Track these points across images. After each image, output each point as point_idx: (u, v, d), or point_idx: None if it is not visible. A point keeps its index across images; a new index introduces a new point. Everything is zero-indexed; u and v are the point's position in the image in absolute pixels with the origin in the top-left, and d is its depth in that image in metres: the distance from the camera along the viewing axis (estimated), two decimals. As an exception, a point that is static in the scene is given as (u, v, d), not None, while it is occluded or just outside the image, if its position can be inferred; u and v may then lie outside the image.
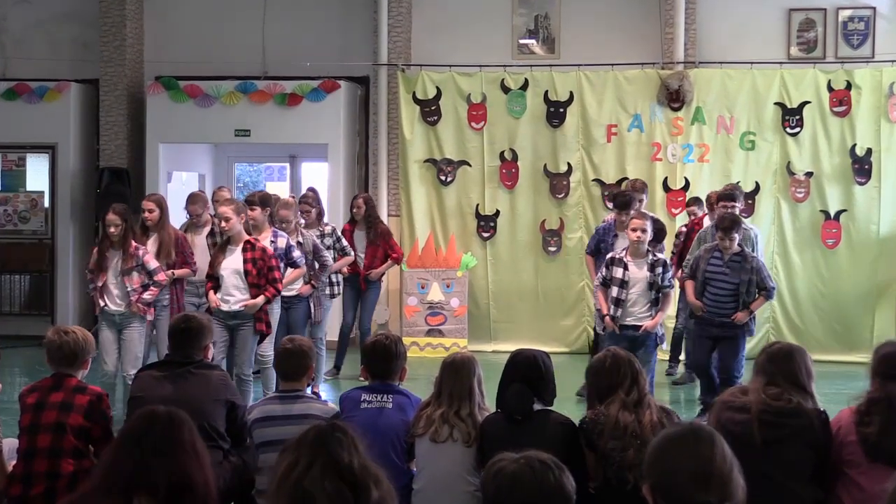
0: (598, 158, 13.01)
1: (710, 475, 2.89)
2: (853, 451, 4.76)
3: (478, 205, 13.28)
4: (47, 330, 5.83)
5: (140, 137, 14.00)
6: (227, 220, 8.75)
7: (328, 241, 10.47)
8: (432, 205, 13.37)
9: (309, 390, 6.15)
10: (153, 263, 9.00)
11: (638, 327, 8.72)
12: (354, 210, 11.32)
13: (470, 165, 13.27)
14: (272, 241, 9.35)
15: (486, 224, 13.27)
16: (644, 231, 8.71)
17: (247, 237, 8.85)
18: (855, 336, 12.53)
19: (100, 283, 8.91)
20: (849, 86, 12.59)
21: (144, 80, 14.12)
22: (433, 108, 13.28)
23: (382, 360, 5.75)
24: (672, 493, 2.90)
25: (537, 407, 5.34)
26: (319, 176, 14.47)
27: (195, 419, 5.43)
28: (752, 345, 12.42)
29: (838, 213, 12.66)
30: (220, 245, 9.07)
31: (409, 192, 13.34)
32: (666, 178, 12.80)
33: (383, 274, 11.51)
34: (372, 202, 11.58)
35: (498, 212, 13.25)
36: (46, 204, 14.05)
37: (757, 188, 12.67)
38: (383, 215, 13.44)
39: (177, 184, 14.07)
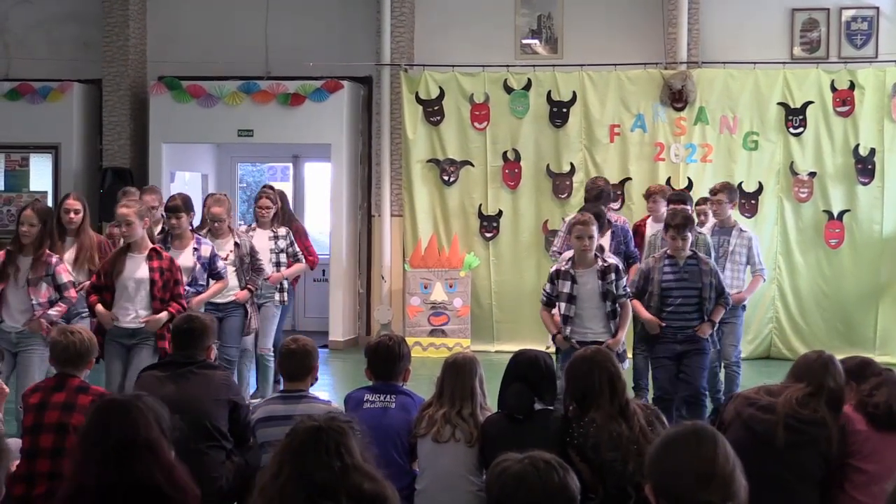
0: (600, 158, 12.99)
1: (712, 475, 2.89)
2: (854, 441, 4.85)
3: (480, 205, 13.27)
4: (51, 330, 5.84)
5: (143, 137, 14.00)
6: (129, 224, 7.67)
7: (282, 243, 9.73)
8: (435, 205, 13.37)
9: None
10: (65, 276, 7.82)
11: (598, 343, 7.26)
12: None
13: (473, 165, 13.27)
14: (195, 249, 8.55)
15: (489, 224, 13.26)
16: (591, 237, 7.70)
17: (151, 245, 7.86)
18: (858, 336, 12.52)
19: None
20: (852, 86, 12.57)
21: (147, 80, 14.13)
22: (436, 108, 13.28)
23: (386, 360, 5.76)
24: (674, 493, 2.90)
25: (538, 406, 5.35)
26: (322, 176, 14.48)
27: (198, 419, 5.50)
28: (752, 346, 12.51)
29: (841, 213, 12.65)
30: (116, 253, 7.92)
31: (411, 192, 13.34)
32: (669, 179, 12.79)
33: (297, 277, 10.54)
34: (286, 198, 10.64)
35: (501, 212, 13.24)
36: (50, 204, 14.02)
37: (760, 188, 12.66)
38: (386, 215, 13.45)
39: (180, 184, 14.07)
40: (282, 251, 9.75)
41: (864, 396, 4.90)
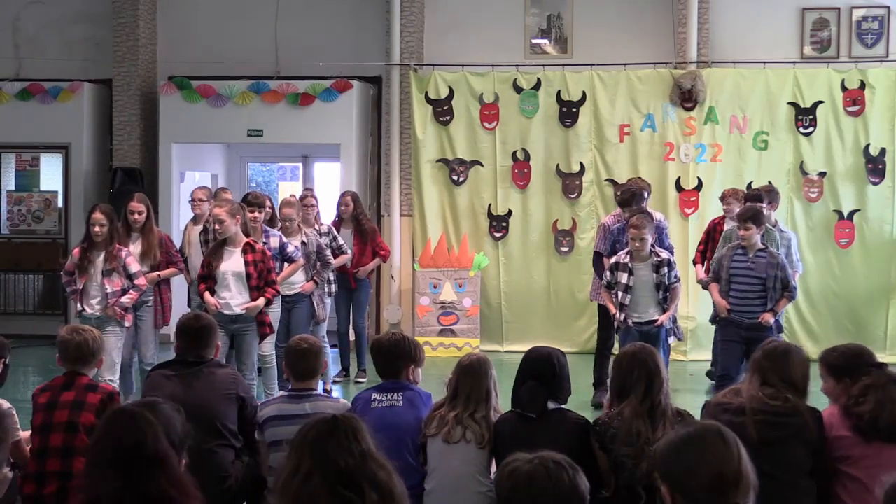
0: (610, 158, 12.98)
1: (739, 478, 2.90)
2: (843, 446, 4.79)
3: (490, 205, 13.27)
4: (60, 328, 5.84)
5: (153, 137, 14.03)
6: (221, 222, 8.56)
7: (325, 239, 10.37)
8: (444, 205, 13.37)
9: (321, 388, 6.15)
10: (134, 267, 8.76)
11: (651, 322, 8.74)
12: (342, 208, 11.14)
13: (482, 165, 13.27)
14: (264, 242, 9.24)
15: (499, 224, 13.26)
16: (643, 239, 8.68)
17: (245, 239, 8.68)
18: (868, 336, 12.45)
19: (80, 286, 8.64)
20: (862, 85, 12.55)
21: (157, 80, 14.16)
22: (445, 107, 13.27)
23: (387, 357, 5.76)
24: (698, 494, 2.89)
25: (552, 406, 5.33)
26: (332, 176, 14.48)
27: (207, 418, 5.51)
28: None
29: (851, 213, 12.62)
30: (215, 246, 8.85)
31: (421, 192, 13.34)
32: (679, 178, 12.78)
33: (371, 271, 11.34)
34: (359, 200, 11.41)
35: (510, 212, 13.24)
36: (60, 204, 14.09)
37: (770, 188, 12.64)
38: (395, 215, 13.45)
39: (189, 183, 14.07)
40: (327, 247, 10.30)
41: (851, 403, 4.80)
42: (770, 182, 11.63)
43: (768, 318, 8.65)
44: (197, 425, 4.08)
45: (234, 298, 8.52)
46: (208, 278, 8.63)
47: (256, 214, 9.38)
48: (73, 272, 8.75)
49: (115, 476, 3.49)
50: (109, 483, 3.48)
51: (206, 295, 8.58)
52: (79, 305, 8.66)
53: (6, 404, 5.44)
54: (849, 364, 5.08)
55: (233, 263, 8.57)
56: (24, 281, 14.08)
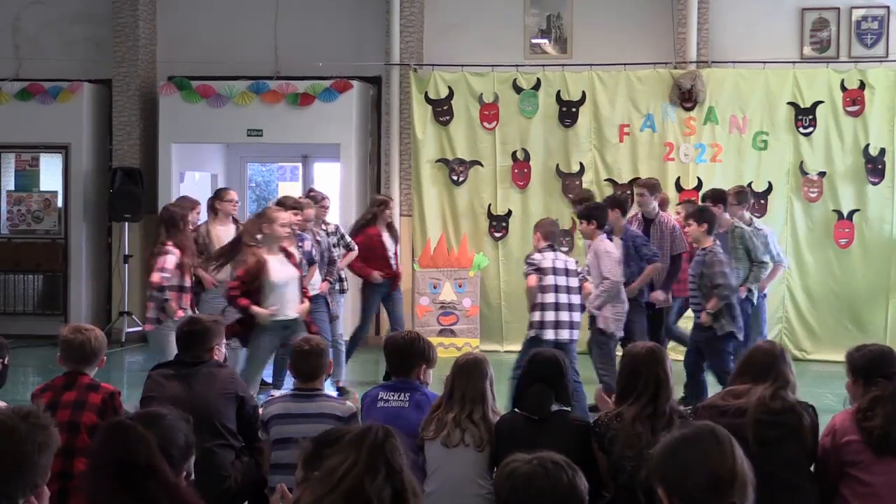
0: (610, 158, 13.00)
1: (734, 477, 2.90)
2: (853, 451, 4.76)
3: (490, 205, 13.27)
4: (61, 328, 5.83)
5: (153, 137, 14.03)
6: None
7: (333, 238, 10.46)
8: (444, 205, 13.38)
9: (330, 384, 6.15)
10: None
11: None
12: (388, 212, 11.04)
13: (482, 165, 13.27)
14: (299, 246, 9.34)
15: (498, 224, 13.26)
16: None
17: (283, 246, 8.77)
18: (867, 336, 12.41)
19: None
20: (862, 85, 12.55)
21: (157, 81, 14.17)
22: (445, 107, 13.28)
23: (401, 356, 5.78)
24: (694, 495, 2.89)
25: (555, 407, 5.33)
26: (331, 176, 14.48)
27: (206, 417, 5.50)
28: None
29: (851, 213, 12.63)
30: (255, 260, 8.55)
31: (420, 192, 13.35)
32: (678, 179, 12.78)
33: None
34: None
35: (510, 212, 13.25)
36: (60, 204, 14.09)
37: (770, 188, 12.64)
38: (395, 215, 13.44)
39: (189, 184, 14.10)
40: (335, 245, 10.42)
41: (860, 414, 4.76)
42: (741, 185, 11.67)
43: (703, 319, 8.75)
44: (196, 425, 4.08)
45: (290, 302, 8.51)
46: (253, 292, 8.34)
47: (298, 219, 9.38)
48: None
49: (111, 485, 3.51)
50: (107, 492, 3.51)
51: (255, 307, 8.29)
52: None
53: (3, 405, 5.44)
54: (867, 366, 5.02)
55: (287, 270, 8.54)
56: (24, 281, 14.08)
